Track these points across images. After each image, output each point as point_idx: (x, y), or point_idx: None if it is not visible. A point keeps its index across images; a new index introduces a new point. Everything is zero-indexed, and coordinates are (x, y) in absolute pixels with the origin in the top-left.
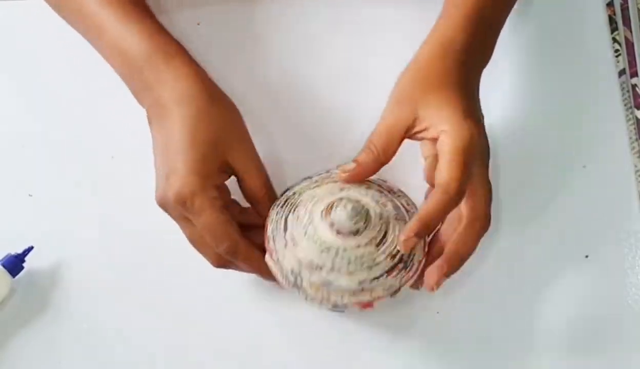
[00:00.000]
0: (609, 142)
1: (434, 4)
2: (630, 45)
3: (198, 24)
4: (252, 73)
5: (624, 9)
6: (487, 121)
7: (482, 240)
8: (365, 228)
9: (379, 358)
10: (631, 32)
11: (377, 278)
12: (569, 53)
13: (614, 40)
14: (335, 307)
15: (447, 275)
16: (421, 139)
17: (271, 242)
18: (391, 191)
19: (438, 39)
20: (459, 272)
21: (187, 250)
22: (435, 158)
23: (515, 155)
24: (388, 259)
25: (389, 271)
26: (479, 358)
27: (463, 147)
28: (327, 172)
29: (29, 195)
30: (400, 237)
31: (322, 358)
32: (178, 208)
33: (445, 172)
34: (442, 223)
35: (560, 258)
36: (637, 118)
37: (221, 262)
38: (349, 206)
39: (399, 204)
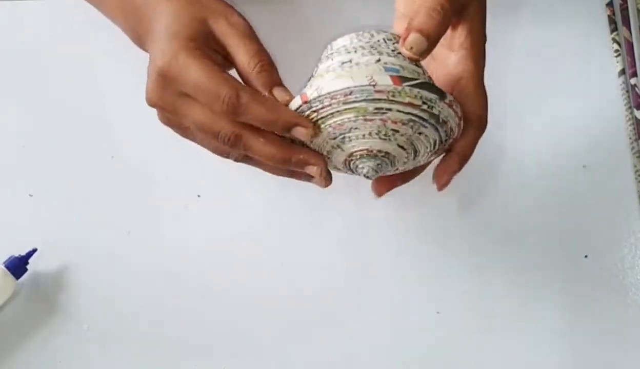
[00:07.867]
0: (609, 142)
1: None
2: (629, 46)
3: None
4: None
5: (624, 9)
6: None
7: (482, 239)
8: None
9: (379, 358)
10: (630, 32)
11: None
12: (569, 53)
13: (614, 40)
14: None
15: (455, 173)
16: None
17: None
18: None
19: None
20: (458, 272)
21: (190, 250)
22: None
23: (515, 155)
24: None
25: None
26: (478, 357)
27: (481, 75)
28: (369, 35)
29: (29, 195)
30: (440, 179)
31: (321, 358)
32: (164, 83)
33: (477, 105)
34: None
35: (560, 258)
36: (636, 118)
37: (230, 135)
38: (371, 164)
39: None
